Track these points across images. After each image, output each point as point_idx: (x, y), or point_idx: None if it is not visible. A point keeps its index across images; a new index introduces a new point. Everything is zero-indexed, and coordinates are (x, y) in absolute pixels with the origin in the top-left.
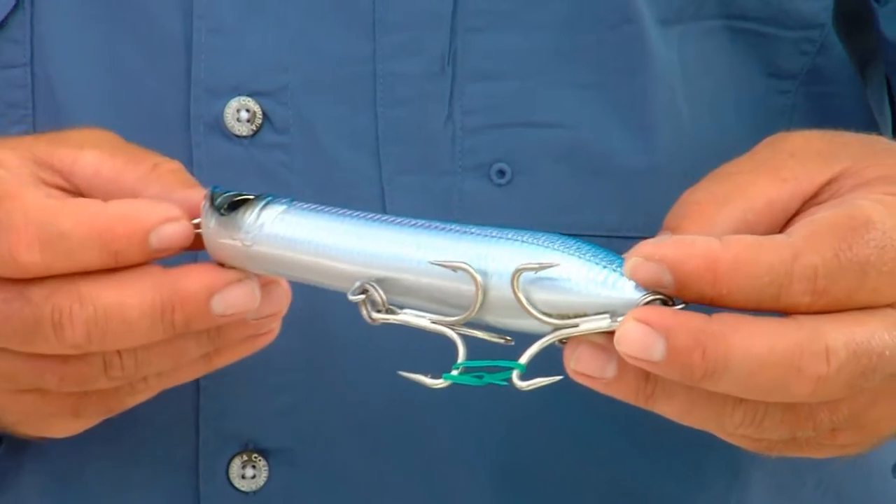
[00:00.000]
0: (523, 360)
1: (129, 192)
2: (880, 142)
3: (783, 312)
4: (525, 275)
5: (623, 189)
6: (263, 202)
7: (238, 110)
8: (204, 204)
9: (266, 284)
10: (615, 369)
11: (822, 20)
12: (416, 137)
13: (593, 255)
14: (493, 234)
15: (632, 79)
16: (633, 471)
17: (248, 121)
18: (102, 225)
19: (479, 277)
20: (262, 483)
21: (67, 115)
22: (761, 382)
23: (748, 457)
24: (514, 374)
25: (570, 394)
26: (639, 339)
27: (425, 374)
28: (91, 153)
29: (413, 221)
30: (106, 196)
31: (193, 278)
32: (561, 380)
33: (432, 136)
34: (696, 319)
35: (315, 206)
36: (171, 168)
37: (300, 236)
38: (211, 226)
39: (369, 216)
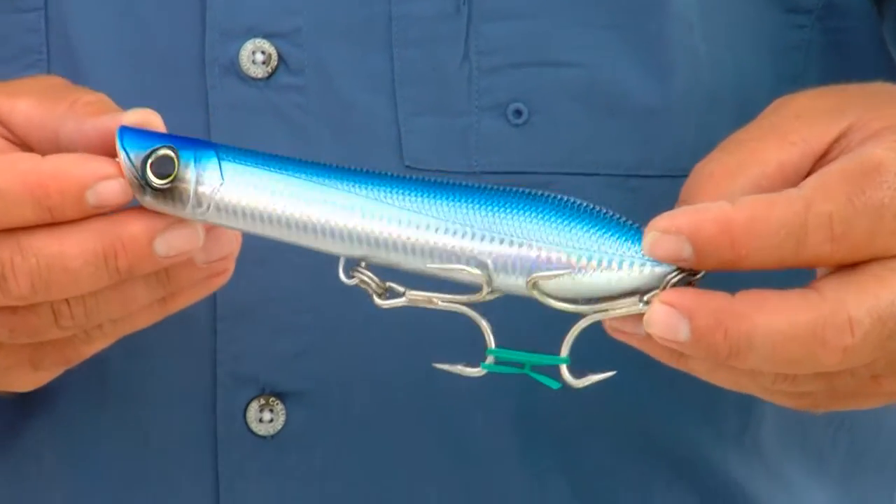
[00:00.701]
0: (564, 352)
1: (52, 134)
2: (885, 90)
3: (809, 267)
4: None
5: (640, 128)
6: (193, 170)
7: (253, 52)
8: (125, 172)
9: (210, 229)
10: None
11: None
12: (432, 78)
13: (604, 235)
14: (491, 222)
15: (649, 17)
16: (648, 410)
17: (264, 63)
18: (34, 181)
19: (486, 287)
20: (279, 427)
21: (81, 59)
22: (787, 357)
23: None
24: (565, 370)
25: (586, 336)
26: (664, 321)
27: (462, 363)
28: (24, 101)
29: (389, 189)
30: (40, 143)
31: (134, 222)
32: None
33: (448, 77)
34: (717, 300)
35: (253, 159)
36: (89, 100)
37: (257, 207)
38: (146, 200)
39: (324, 174)
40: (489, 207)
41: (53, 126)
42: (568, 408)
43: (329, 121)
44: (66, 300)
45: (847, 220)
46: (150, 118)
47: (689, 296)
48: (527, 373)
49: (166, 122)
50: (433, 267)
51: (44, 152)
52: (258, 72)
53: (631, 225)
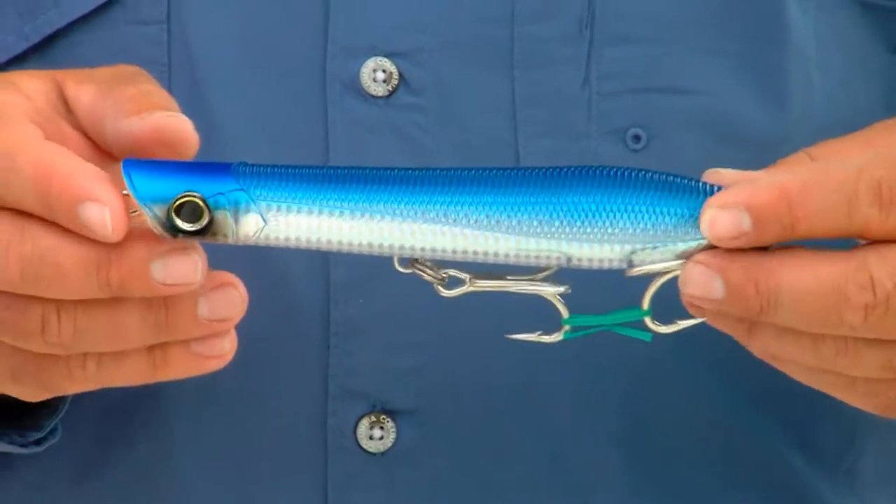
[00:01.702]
0: (645, 306)
1: (102, 127)
2: None
3: (863, 237)
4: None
5: (755, 158)
6: (229, 215)
7: (374, 70)
8: (147, 218)
9: (220, 286)
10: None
11: None
12: (553, 101)
13: (666, 222)
14: (559, 228)
15: (770, 48)
16: (749, 433)
17: (385, 81)
18: (43, 172)
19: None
20: (389, 444)
21: (202, 72)
22: (813, 311)
23: (864, 424)
24: (649, 322)
25: (694, 354)
26: (699, 279)
27: (539, 332)
28: (87, 89)
29: (445, 207)
30: (96, 135)
31: (134, 241)
32: (699, 323)
33: (568, 100)
34: (748, 256)
35: (285, 187)
36: (130, 95)
37: (307, 238)
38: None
39: (371, 192)
40: (556, 211)
41: (101, 119)
42: (673, 427)
43: (448, 141)
44: (57, 312)
45: None
46: (180, 125)
47: (721, 253)
48: (613, 329)
49: (285, 137)
50: (516, 284)
51: (99, 144)
52: (379, 90)
53: (689, 196)
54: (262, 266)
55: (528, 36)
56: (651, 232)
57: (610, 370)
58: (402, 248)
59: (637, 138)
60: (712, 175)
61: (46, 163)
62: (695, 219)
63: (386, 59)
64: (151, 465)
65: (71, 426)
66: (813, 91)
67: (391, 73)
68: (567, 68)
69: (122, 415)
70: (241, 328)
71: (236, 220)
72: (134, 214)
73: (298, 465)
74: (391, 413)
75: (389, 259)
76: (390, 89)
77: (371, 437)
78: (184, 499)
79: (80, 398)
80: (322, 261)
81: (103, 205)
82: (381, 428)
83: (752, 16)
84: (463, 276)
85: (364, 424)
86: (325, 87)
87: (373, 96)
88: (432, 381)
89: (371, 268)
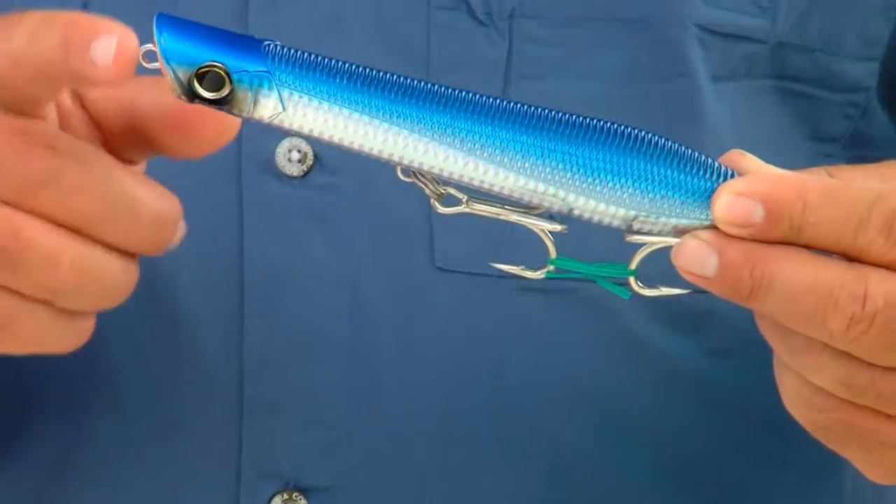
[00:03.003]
0: (633, 265)
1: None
2: None
3: (861, 259)
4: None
5: None
6: (249, 94)
7: (290, 150)
8: (168, 77)
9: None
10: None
11: (866, 84)
12: None
13: (675, 195)
14: (572, 179)
15: (684, 132)
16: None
17: (300, 161)
18: (72, 19)
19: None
20: None
21: None
22: (801, 308)
23: None
24: (633, 282)
25: (615, 436)
26: (694, 253)
27: (521, 266)
28: None
29: (468, 129)
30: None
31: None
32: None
33: None
34: (748, 241)
35: (314, 79)
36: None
37: (321, 134)
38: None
39: (397, 100)
40: (570, 162)
41: (129, 102)
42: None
43: (363, 220)
44: None
45: None
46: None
47: (721, 233)
48: (593, 279)
49: (198, 218)
50: (513, 214)
51: (116, 123)
52: (294, 170)
53: (700, 176)
54: (175, 340)
55: None
56: (659, 203)
57: (530, 451)
58: (410, 162)
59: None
60: (736, 155)
61: (81, 16)
62: (706, 198)
63: (301, 140)
64: None
65: None
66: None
67: (306, 153)
68: None
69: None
70: (154, 403)
71: (255, 100)
72: (150, 66)
73: None
74: (305, 491)
75: (304, 335)
76: (305, 169)
77: None
78: None
79: None
80: (237, 335)
81: (112, 36)
82: None
83: (664, 100)
84: (461, 196)
85: (276, 502)
86: (240, 168)
87: (288, 176)
88: (349, 458)
89: (286, 343)
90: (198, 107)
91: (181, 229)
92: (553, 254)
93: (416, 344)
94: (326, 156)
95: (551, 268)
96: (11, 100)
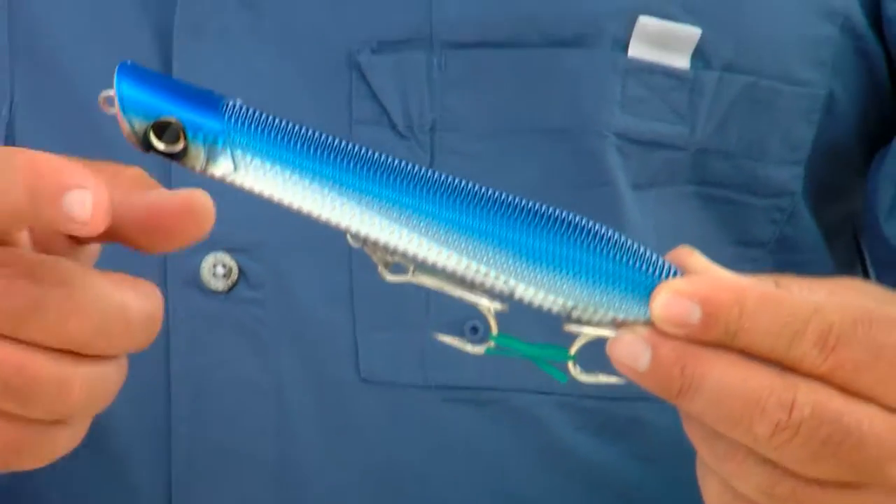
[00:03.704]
0: (572, 351)
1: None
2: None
3: (793, 370)
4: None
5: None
6: (202, 150)
7: (214, 265)
8: (123, 125)
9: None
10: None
11: (792, 188)
12: (390, 293)
13: (614, 290)
14: (517, 266)
15: None
16: None
17: (225, 276)
18: (33, 165)
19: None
20: None
21: None
22: (728, 411)
23: None
24: (571, 367)
25: None
26: (628, 347)
27: (464, 339)
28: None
29: (414, 207)
30: None
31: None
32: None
33: (405, 293)
34: (682, 340)
35: (267, 143)
36: (132, 175)
37: (270, 196)
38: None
39: (346, 173)
40: (511, 247)
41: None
42: None
43: (288, 333)
44: None
45: (844, 336)
46: (208, 200)
47: (657, 331)
48: (533, 360)
49: None
50: (457, 289)
51: None
52: (219, 285)
53: (638, 267)
54: (102, 454)
55: None
56: (598, 296)
57: None
58: (357, 232)
59: (475, 330)
60: (684, 252)
61: (39, 158)
62: (646, 293)
63: (226, 255)
64: None
65: None
66: None
67: (231, 267)
68: None
69: None
70: None
71: (209, 158)
72: (109, 112)
73: None
74: None
75: (232, 448)
76: (230, 284)
77: None
78: None
79: None
80: (164, 448)
81: (86, 190)
82: None
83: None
84: (408, 265)
85: None
86: (166, 282)
87: (213, 291)
88: None
89: (214, 456)
90: (177, 207)
91: None
92: (495, 330)
93: (342, 455)
94: (251, 270)
95: (492, 344)
96: None
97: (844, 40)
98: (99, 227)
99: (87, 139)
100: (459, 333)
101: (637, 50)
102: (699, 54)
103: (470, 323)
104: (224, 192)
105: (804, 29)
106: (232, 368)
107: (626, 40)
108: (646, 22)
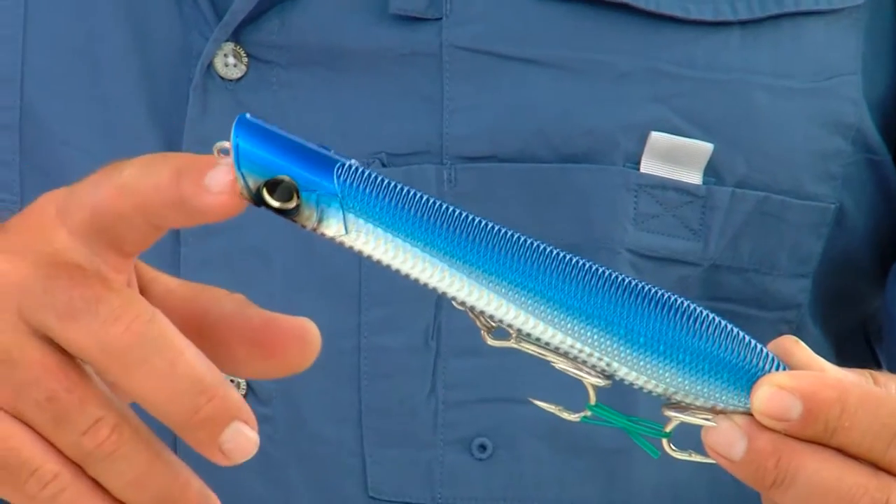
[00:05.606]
0: (668, 428)
1: (199, 311)
2: None
3: (891, 472)
4: None
5: (602, 466)
6: (315, 211)
7: None
8: (238, 182)
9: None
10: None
11: (799, 301)
12: (399, 410)
13: (719, 382)
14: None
15: None
16: None
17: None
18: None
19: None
20: None
21: None
22: None
23: None
24: (666, 444)
25: None
26: (724, 433)
27: (561, 407)
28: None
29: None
30: (181, 316)
31: None
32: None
33: (415, 410)
34: (778, 434)
35: (381, 210)
36: (238, 298)
37: (379, 260)
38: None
39: (460, 247)
40: (617, 332)
41: (203, 304)
42: None
43: (295, 450)
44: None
45: None
46: (314, 331)
47: (753, 421)
48: (627, 432)
49: None
50: (559, 362)
51: (183, 325)
52: None
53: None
54: None
55: (375, 346)
56: (700, 386)
57: None
58: (462, 301)
59: (483, 448)
60: (789, 342)
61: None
62: (747, 383)
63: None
64: None
65: None
66: None
67: (238, 382)
68: (413, 378)
69: None
70: None
71: (321, 219)
72: (221, 162)
73: None
74: None
75: None
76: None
77: None
78: None
79: None
80: None
81: (230, 168)
82: None
83: None
84: (511, 330)
85: None
86: None
87: None
88: None
89: None
90: (292, 329)
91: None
92: (592, 399)
93: None
94: (259, 386)
95: (588, 413)
96: (104, 238)
97: (855, 153)
98: (231, 206)
99: None
100: (468, 451)
101: (649, 166)
102: (711, 170)
103: (478, 441)
104: None
105: (815, 143)
106: (240, 486)
107: (638, 156)
108: (658, 137)
